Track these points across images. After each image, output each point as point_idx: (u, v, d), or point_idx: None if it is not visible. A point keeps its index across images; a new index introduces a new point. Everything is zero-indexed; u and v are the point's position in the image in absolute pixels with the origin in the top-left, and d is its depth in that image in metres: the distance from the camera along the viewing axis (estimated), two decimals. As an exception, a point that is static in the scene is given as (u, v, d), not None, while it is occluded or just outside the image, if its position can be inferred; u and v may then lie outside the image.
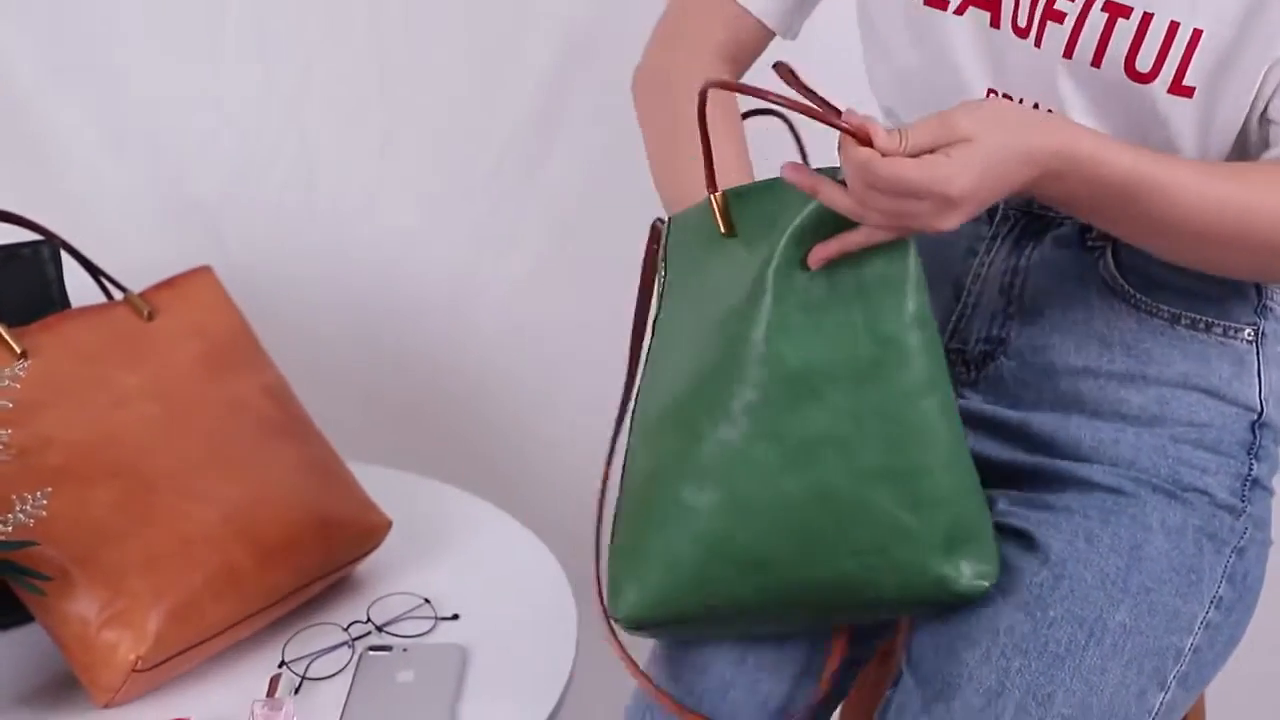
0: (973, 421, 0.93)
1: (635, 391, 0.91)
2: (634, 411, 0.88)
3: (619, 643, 0.89)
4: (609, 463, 0.94)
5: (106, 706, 0.98)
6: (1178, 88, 0.83)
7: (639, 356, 0.92)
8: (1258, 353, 0.91)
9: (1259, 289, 0.92)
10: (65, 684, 1.00)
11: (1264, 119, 0.85)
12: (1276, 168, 0.83)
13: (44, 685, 1.01)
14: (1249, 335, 0.91)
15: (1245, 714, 1.31)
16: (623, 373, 0.94)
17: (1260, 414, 0.91)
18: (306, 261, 1.55)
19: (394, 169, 1.52)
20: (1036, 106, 0.88)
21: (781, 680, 0.90)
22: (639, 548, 0.84)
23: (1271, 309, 0.93)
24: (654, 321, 0.90)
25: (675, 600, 0.83)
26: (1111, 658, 0.82)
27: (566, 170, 1.50)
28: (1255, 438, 0.91)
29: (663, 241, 0.90)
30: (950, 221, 0.77)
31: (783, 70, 0.77)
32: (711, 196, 0.85)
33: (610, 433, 0.94)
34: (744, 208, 0.85)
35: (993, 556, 0.84)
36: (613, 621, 0.86)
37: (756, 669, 0.90)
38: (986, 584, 0.83)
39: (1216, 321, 0.91)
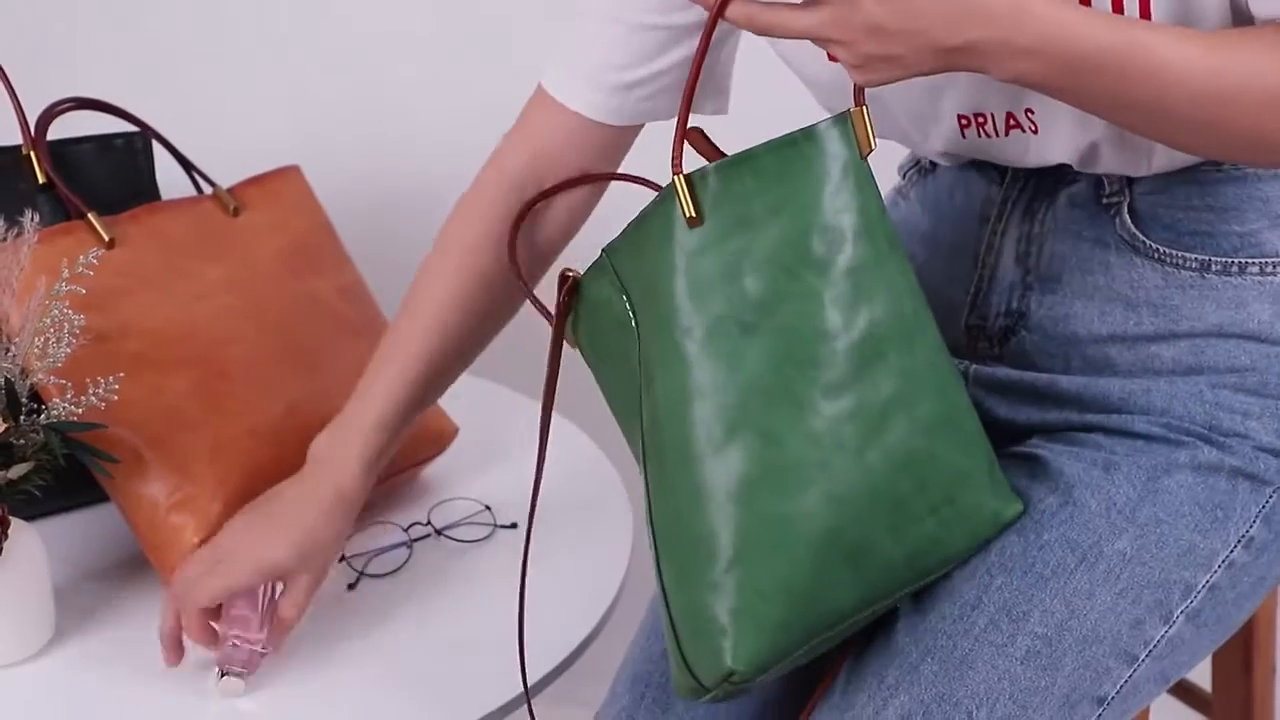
0: (1000, 389, 0.91)
1: (541, 462, 0.86)
2: (646, 454, 0.79)
3: None
4: (533, 506, 0.88)
5: (173, 586, 1.02)
6: (1145, 16, 0.78)
7: (550, 412, 0.86)
8: None
9: None
10: (136, 563, 1.04)
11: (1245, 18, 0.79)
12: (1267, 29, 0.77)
13: (117, 563, 1.06)
14: None
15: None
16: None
17: None
18: (390, 167, 1.56)
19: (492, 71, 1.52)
20: None
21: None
22: (745, 583, 0.75)
23: None
24: (632, 363, 0.81)
25: (798, 624, 0.76)
26: (1102, 584, 0.81)
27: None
28: None
29: (609, 271, 0.81)
30: (870, 66, 0.73)
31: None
32: (677, 178, 0.77)
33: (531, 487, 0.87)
34: (716, 190, 0.77)
35: (1008, 483, 0.83)
36: (728, 681, 0.76)
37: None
38: (1021, 508, 0.83)
39: (1251, 260, 0.86)
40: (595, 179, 0.86)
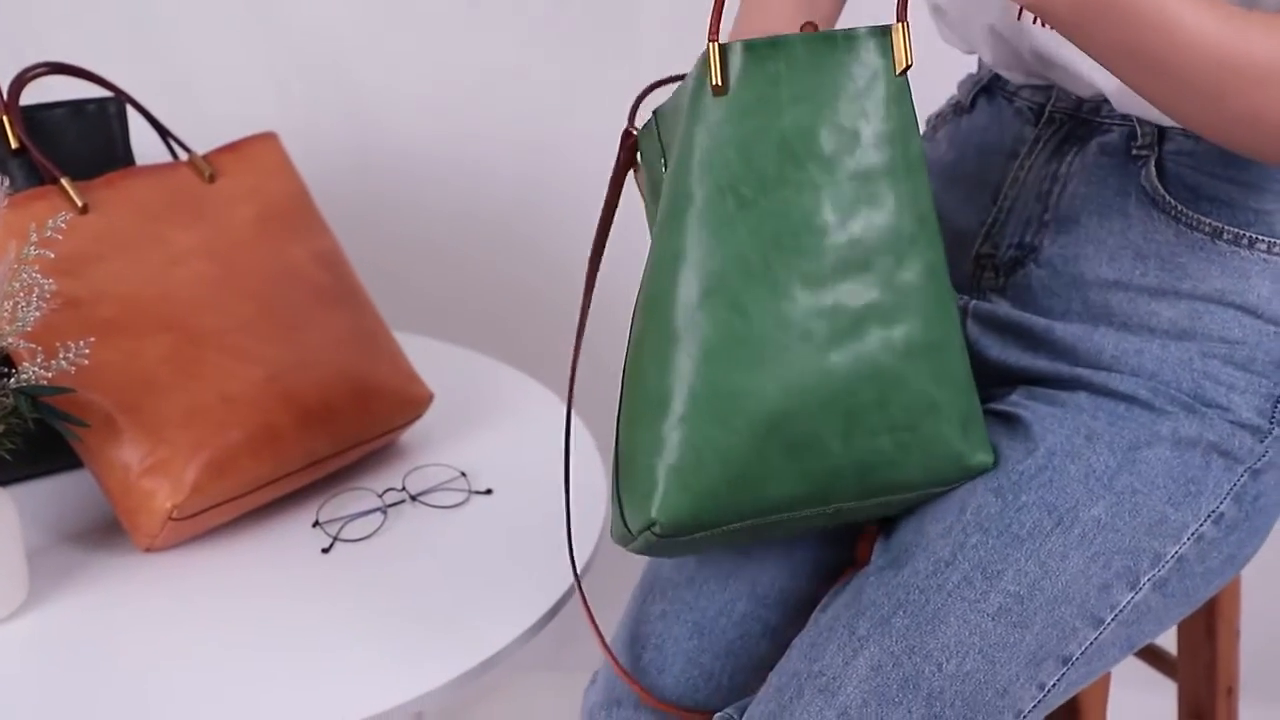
0: (998, 326, 0.92)
1: (584, 323, 0.88)
2: (636, 305, 0.84)
3: (591, 615, 0.89)
4: (573, 380, 0.90)
5: (148, 551, 1.02)
6: None
7: (593, 284, 0.89)
8: None
9: None
10: (110, 528, 1.05)
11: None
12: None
13: (91, 527, 1.06)
14: None
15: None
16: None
17: None
18: (369, 130, 1.56)
19: (460, 34, 1.52)
20: None
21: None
22: (685, 442, 0.78)
23: None
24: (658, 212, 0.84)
25: (726, 496, 0.79)
26: (1076, 547, 0.82)
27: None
28: None
29: (655, 134, 0.84)
30: None
31: None
32: (710, 44, 0.79)
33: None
34: (747, 64, 0.79)
35: (987, 440, 0.84)
36: (649, 530, 0.79)
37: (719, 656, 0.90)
38: (991, 460, 0.84)
39: (1261, 237, 0.87)
40: None
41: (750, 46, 0.79)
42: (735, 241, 0.79)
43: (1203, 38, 0.74)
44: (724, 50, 0.79)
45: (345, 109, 1.56)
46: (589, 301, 0.89)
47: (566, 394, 0.92)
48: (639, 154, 0.86)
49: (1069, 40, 0.77)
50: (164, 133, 1.16)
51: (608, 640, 0.92)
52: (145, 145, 1.18)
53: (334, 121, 1.56)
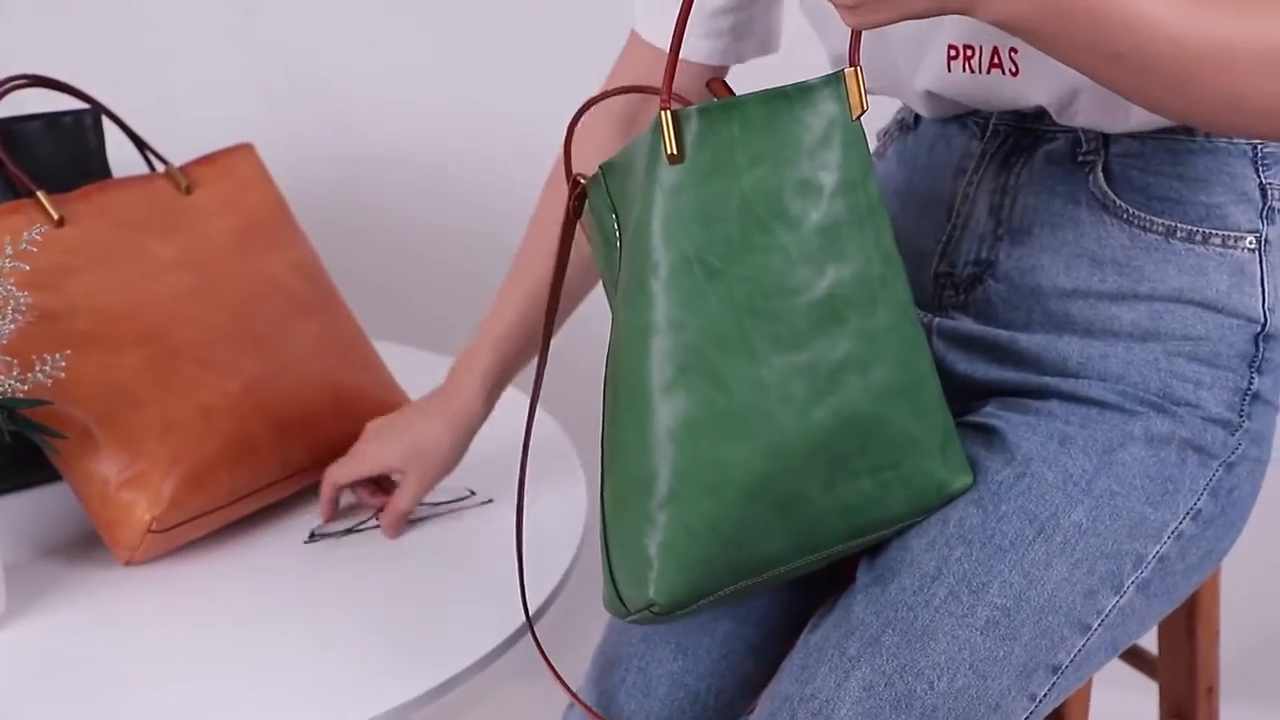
0: (963, 342, 0.92)
1: (542, 371, 0.87)
2: (606, 377, 0.80)
3: (546, 656, 0.88)
4: (526, 448, 0.89)
5: (128, 564, 1.02)
6: None
7: (551, 331, 0.87)
8: (1261, 261, 0.88)
9: (1264, 191, 0.88)
10: (88, 541, 1.05)
11: None
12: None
13: (69, 541, 1.06)
14: (1250, 244, 0.88)
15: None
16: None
17: (1264, 325, 0.88)
18: (347, 140, 1.56)
19: (436, 44, 1.53)
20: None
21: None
22: (676, 519, 0.76)
23: (1279, 211, 0.89)
24: (615, 280, 0.82)
25: (720, 564, 0.78)
26: (1059, 555, 0.82)
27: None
28: (1258, 350, 0.88)
29: (604, 187, 0.81)
30: (866, 7, 0.71)
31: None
32: (664, 113, 0.76)
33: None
34: (702, 130, 0.77)
35: (965, 460, 0.84)
36: (648, 609, 0.78)
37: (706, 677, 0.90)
38: (970, 481, 0.84)
39: (1214, 231, 0.87)
40: (647, 90, 0.85)
41: (704, 111, 0.77)
42: (708, 313, 0.77)
43: (1166, 26, 0.73)
44: (677, 118, 0.76)
45: (326, 118, 1.56)
46: (547, 347, 0.88)
47: (523, 442, 0.90)
48: (587, 204, 0.83)
49: (1034, 46, 0.77)
50: (140, 145, 1.16)
51: (589, 662, 0.91)
52: (123, 157, 1.17)
53: (314, 131, 1.56)
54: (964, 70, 0.90)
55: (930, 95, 0.94)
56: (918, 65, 0.92)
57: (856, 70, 0.79)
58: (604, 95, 0.84)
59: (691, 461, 0.76)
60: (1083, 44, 0.75)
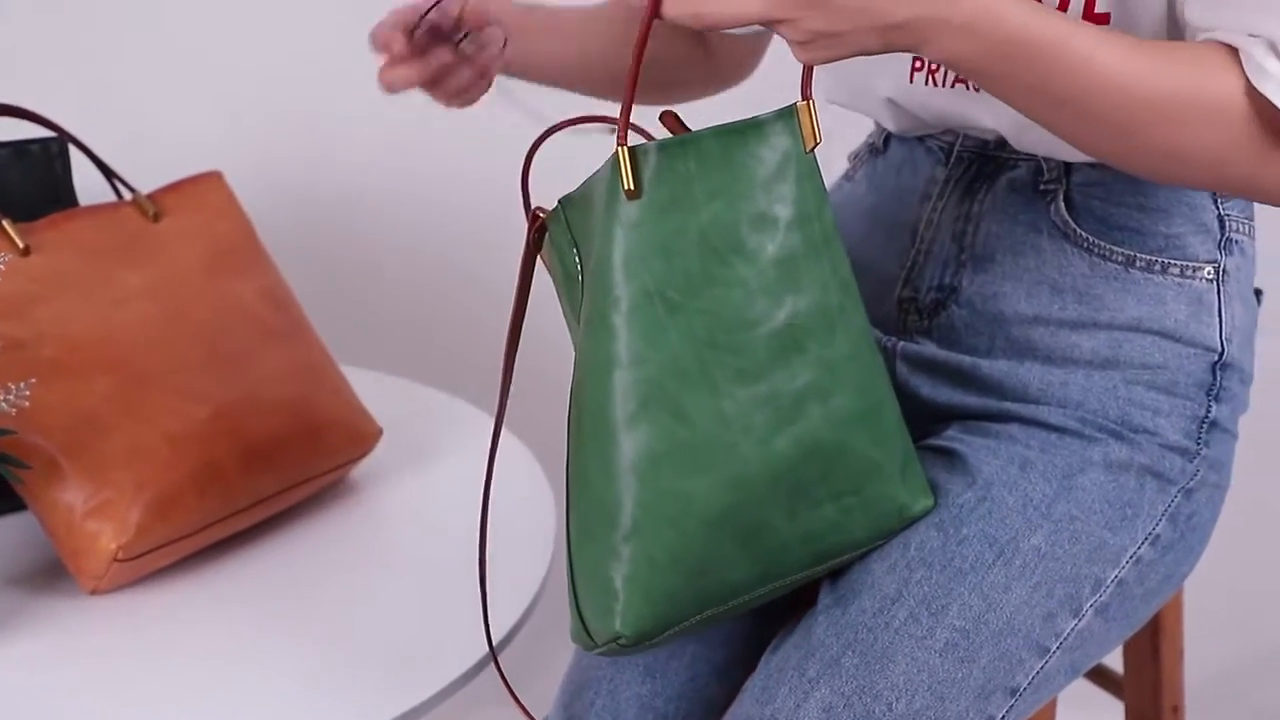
0: (926, 366, 0.93)
1: (505, 400, 0.87)
2: (569, 409, 0.80)
3: (511, 689, 0.88)
4: (492, 458, 0.88)
5: (93, 593, 1.02)
6: (1090, 15, 0.81)
7: (513, 364, 0.87)
8: (1219, 291, 0.90)
9: (1221, 223, 0.90)
10: (53, 570, 1.04)
11: (1180, 26, 0.82)
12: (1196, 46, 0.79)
13: (34, 570, 1.05)
14: (1209, 274, 0.89)
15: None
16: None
17: (1221, 355, 0.89)
18: (316, 166, 1.57)
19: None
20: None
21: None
22: (640, 552, 0.77)
23: (1236, 242, 0.90)
24: (578, 313, 0.82)
25: (685, 594, 0.78)
26: (1018, 578, 0.83)
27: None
28: (1215, 379, 0.89)
29: (564, 221, 0.81)
30: (815, 44, 0.73)
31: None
32: (620, 149, 0.77)
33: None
34: (656, 167, 0.77)
35: (926, 483, 0.85)
36: (615, 642, 0.78)
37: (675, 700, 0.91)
38: (931, 503, 0.85)
39: (1173, 262, 0.89)
40: (605, 120, 0.85)
41: (661, 147, 0.78)
42: (668, 347, 0.77)
43: (1114, 75, 0.75)
44: (635, 154, 0.77)
45: (295, 146, 1.56)
46: (508, 381, 0.87)
47: (486, 472, 0.89)
48: (547, 236, 0.83)
49: (981, 86, 0.77)
50: (108, 173, 1.16)
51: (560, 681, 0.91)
52: (89, 185, 1.17)
53: (283, 158, 1.56)
54: (926, 83, 0.91)
55: (893, 105, 0.95)
56: (882, 68, 0.93)
57: (810, 104, 0.79)
58: (560, 126, 0.85)
59: (654, 494, 0.77)
60: (1027, 87, 0.76)
